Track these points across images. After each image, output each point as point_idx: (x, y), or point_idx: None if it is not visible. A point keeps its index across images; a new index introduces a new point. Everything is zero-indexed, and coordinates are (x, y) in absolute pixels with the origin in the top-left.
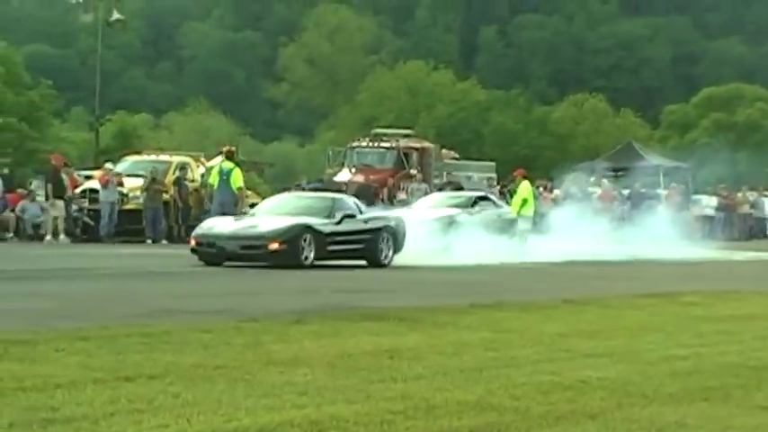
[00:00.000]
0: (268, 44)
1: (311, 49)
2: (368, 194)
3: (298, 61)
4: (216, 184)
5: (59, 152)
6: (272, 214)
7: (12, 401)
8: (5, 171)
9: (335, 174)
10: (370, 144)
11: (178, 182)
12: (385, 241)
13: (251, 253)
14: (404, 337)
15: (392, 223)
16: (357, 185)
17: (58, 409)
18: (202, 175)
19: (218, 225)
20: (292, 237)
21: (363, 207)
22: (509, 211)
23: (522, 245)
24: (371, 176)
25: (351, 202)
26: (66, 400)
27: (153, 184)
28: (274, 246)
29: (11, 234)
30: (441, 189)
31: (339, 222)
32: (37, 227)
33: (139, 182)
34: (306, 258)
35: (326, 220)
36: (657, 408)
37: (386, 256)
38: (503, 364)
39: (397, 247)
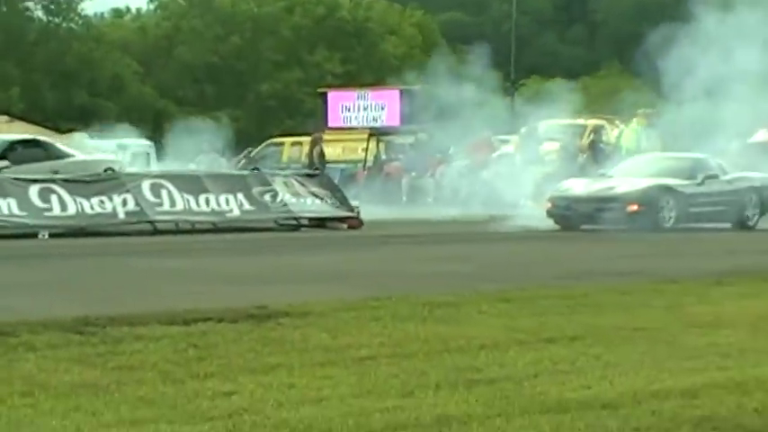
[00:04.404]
0: (679, 3)
1: None
2: None
3: None
4: (633, 146)
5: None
6: (631, 175)
7: (438, 362)
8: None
9: None
10: None
11: (593, 145)
12: (750, 202)
13: (607, 215)
14: None
15: (758, 183)
16: None
17: (482, 369)
18: (617, 138)
19: (574, 187)
20: (651, 198)
21: (726, 167)
22: None
23: None
24: None
25: (713, 162)
26: (490, 361)
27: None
28: (633, 207)
29: (430, 199)
30: None
31: (701, 183)
32: (456, 191)
33: (555, 146)
34: (666, 221)
35: (688, 181)
36: None
37: (750, 219)
38: None
39: (764, 209)
